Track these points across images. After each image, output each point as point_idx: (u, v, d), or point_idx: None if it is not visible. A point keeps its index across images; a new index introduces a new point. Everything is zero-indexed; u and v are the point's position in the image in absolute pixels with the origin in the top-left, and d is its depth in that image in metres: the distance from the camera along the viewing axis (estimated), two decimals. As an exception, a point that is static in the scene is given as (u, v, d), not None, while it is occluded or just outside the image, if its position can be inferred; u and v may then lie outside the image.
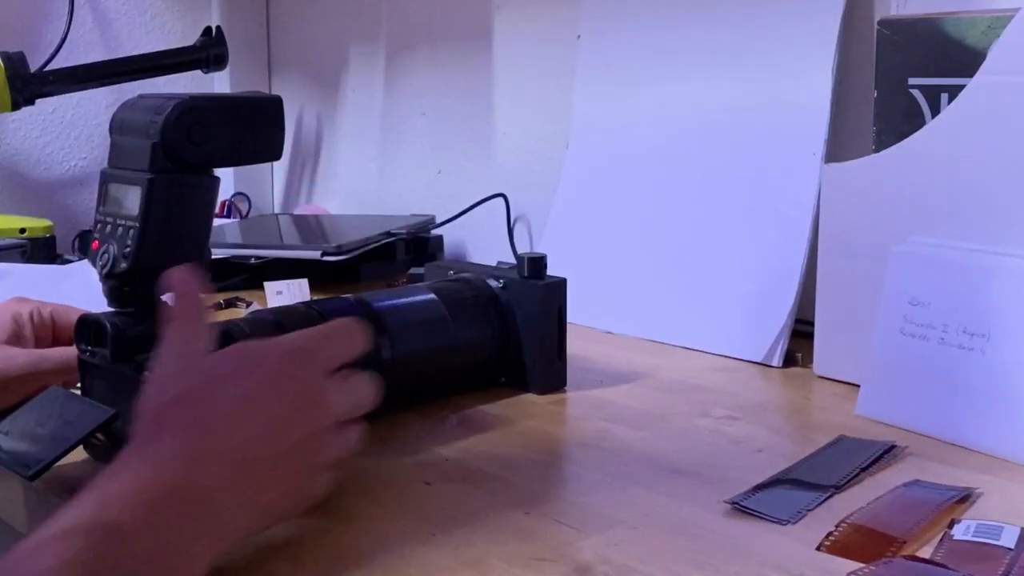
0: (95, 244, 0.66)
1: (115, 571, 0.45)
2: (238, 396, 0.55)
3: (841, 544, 0.57)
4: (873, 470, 0.68)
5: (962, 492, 0.63)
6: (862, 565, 0.54)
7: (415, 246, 1.30)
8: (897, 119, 0.85)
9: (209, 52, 1.32)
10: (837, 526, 0.59)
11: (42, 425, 0.65)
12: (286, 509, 0.57)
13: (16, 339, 0.73)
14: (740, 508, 0.63)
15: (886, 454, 0.70)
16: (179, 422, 0.54)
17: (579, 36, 1.18)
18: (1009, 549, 0.56)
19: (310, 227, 1.43)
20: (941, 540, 0.57)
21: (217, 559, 0.52)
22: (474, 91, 1.37)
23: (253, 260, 1.21)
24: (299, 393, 0.57)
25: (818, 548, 0.57)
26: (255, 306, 1.12)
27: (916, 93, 0.84)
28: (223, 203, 1.57)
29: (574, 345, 0.87)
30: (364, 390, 0.62)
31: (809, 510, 0.62)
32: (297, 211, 1.58)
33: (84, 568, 0.44)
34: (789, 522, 0.61)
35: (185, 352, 0.58)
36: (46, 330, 0.76)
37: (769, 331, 0.94)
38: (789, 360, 0.93)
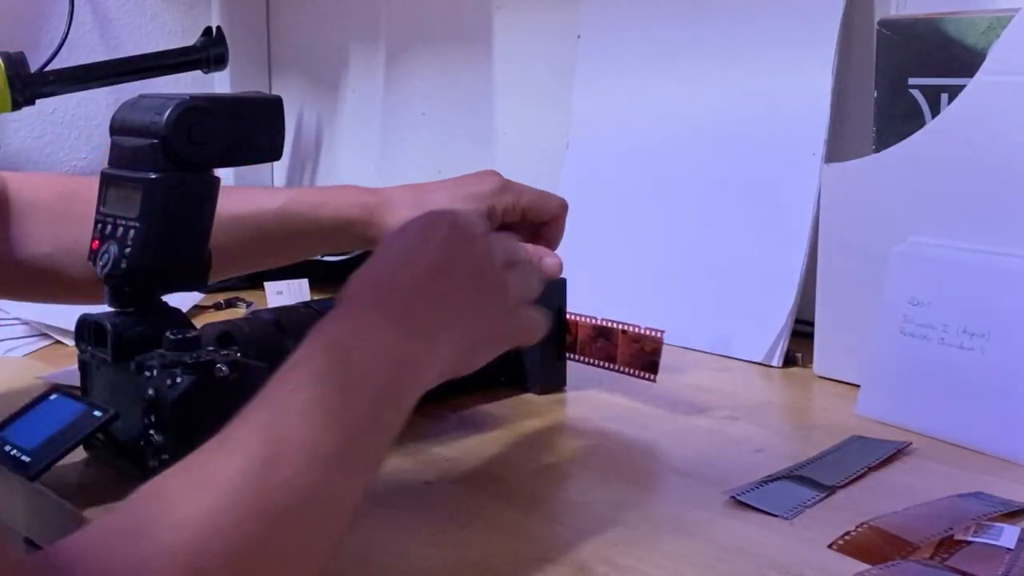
0: (95, 244, 0.66)
1: (349, 375, 0.51)
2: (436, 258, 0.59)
3: (854, 544, 0.57)
4: (876, 468, 0.68)
5: (1014, 506, 0.61)
6: (867, 567, 0.54)
7: (415, 246, 1.29)
8: (897, 119, 0.85)
9: (209, 52, 1.32)
10: (858, 527, 0.59)
11: (42, 426, 0.65)
12: (496, 336, 0.61)
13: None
14: (739, 501, 0.63)
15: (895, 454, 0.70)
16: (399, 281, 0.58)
17: (579, 36, 1.18)
18: (1009, 549, 0.56)
19: (310, 227, 1.43)
20: (942, 541, 0.57)
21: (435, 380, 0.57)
22: (474, 91, 1.37)
23: (253, 260, 1.21)
24: (480, 260, 0.61)
25: (830, 546, 0.57)
26: (255, 306, 1.12)
27: (916, 93, 0.84)
28: (223, 203, 1.57)
29: (574, 345, 0.87)
30: (534, 275, 0.65)
31: (807, 507, 0.62)
32: (297, 211, 1.58)
33: (325, 375, 0.51)
34: (785, 518, 0.61)
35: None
36: (515, 215, 0.84)
37: (769, 331, 0.94)
38: (789, 360, 0.93)
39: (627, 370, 0.81)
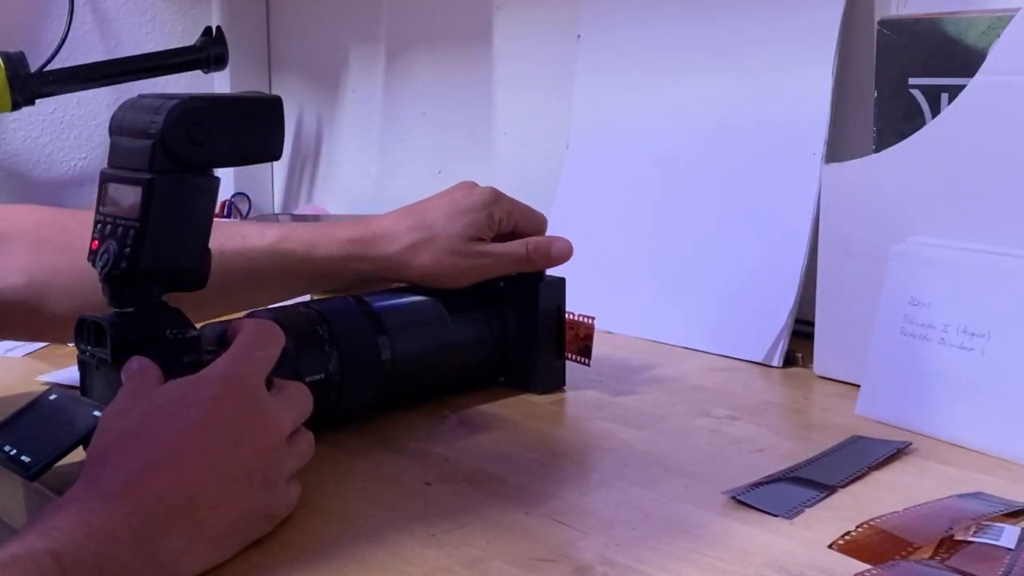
0: (95, 244, 0.65)
1: None
2: (177, 430, 0.55)
3: (854, 544, 0.57)
4: (876, 468, 0.68)
5: (1014, 507, 0.62)
6: (867, 567, 0.54)
7: (415, 246, 1.29)
8: (897, 119, 0.85)
9: (209, 52, 1.32)
10: (858, 527, 0.59)
11: (42, 426, 0.65)
12: (248, 532, 0.57)
13: (480, 235, 0.83)
14: (738, 501, 0.63)
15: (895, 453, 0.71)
16: (124, 458, 0.54)
17: (579, 36, 1.18)
18: (1009, 549, 0.56)
19: (310, 227, 1.42)
20: (942, 541, 0.57)
21: None
22: (474, 91, 1.37)
23: (253, 260, 1.20)
24: (239, 416, 0.57)
25: (830, 546, 0.57)
26: (255, 306, 1.12)
27: (916, 93, 0.84)
28: (223, 203, 1.57)
29: (574, 345, 0.87)
30: (302, 398, 0.63)
31: (807, 507, 0.62)
32: (297, 211, 1.58)
33: None
34: (785, 517, 0.61)
35: (134, 389, 0.59)
36: (509, 225, 0.85)
37: (769, 331, 0.94)
38: (789, 360, 0.93)
39: (566, 355, 0.85)
